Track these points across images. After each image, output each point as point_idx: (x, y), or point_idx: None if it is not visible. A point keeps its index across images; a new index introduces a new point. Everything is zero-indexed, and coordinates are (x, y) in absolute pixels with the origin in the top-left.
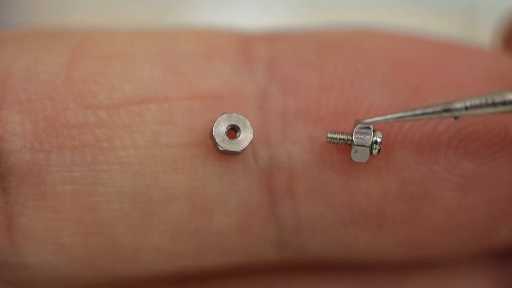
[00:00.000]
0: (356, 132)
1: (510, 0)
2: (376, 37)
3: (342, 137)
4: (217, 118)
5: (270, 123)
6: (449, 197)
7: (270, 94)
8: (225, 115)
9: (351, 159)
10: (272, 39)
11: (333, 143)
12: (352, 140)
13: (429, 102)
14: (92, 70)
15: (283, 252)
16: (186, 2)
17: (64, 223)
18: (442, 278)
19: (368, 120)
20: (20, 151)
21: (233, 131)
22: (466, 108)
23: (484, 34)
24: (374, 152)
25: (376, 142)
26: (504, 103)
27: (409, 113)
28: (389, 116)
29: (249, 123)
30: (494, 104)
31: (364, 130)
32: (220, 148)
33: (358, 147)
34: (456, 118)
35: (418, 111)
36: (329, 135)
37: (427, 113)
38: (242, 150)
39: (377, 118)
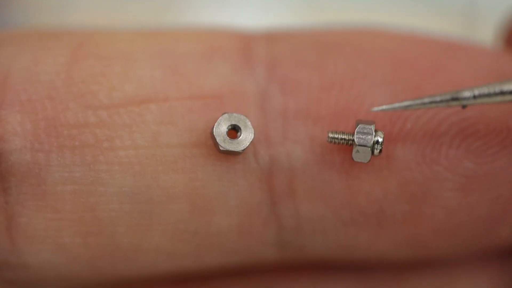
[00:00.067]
0: (357, 132)
1: (510, 0)
2: (376, 36)
3: (343, 137)
4: (218, 118)
5: (270, 123)
6: (450, 197)
7: (270, 94)
8: (226, 115)
9: (353, 159)
10: (272, 39)
11: (334, 143)
12: (353, 140)
13: None
14: (92, 70)
15: (283, 252)
16: (186, 2)
17: (64, 223)
18: (442, 278)
19: (375, 109)
20: (20, 151)
21: (234, 131)
22: (475, 96)
23: (484, 34)
24: (376, 152)
25: (377, 142)
26: None
27: (417, 101)
28: (397, 105)
29: (250, 123)
30: (502, 93)
31: (365, 130)
32: (221, 148)
33: (360, 147)
34: (464, 107)
35: (426, 100)
36: (331, 135)
37: (435, 102)
38: (243, 150)
39: (384, 107)
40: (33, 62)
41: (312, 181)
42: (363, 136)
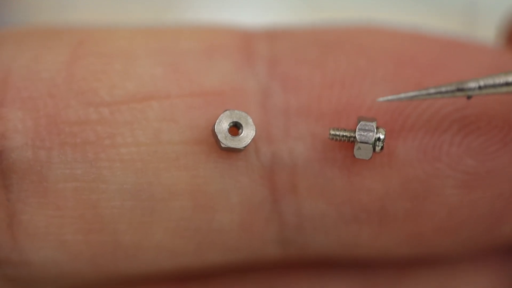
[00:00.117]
0: (359, 129)
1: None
2: (377, 34)
3: (345, 134)
4: (220, 115)
5: (272, 120)
6: (452, 194)
7: (271, 91)
8: (227, 112)
9: (354, 156)
10: (273, 37)
11: (336, 140)
12: (355, 137)
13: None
14: (93, 68)
15: (285, 250)
16: (186, 1)
17: (66, 220)
18: (444, 276)
19: (381, 99)
20: (21, 149)
21: (235, 128)
22: (480, 87)
23: (484, 33)
24: (377, 149)
25: (379, 139)
26: None
27: (423, 92)
28: (402, 95)
29: (251, 120)
30: (507, 84)
31: (367, 127)
32: (223, 145)
33: (361, 144)
34: (469, 97)
35: (432, 90)
36: (332, 132)
37: (441, 92)
38: (245, 147)
39: (390, 97)
40: (34, 59)
41: (313, 178)
42: (365, 133)
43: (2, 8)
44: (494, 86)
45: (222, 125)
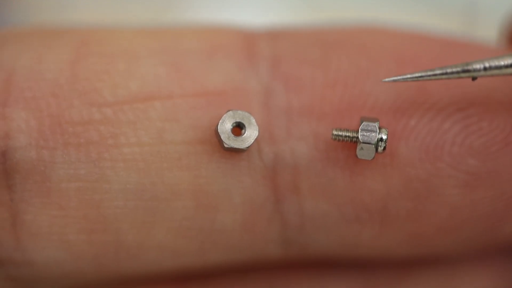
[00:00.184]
0: (361, 130)
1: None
2: (379, 34)
3: (347, 134)
4: (222, 116)
5: (274, 120)
6: (454, 194)
7: (274, 91)
8: (230, 112)
9: (356, 156)
10: (275, 37)
11: (339, 140)
12: (357, 137)
13: (434, 98)
14: (96, 68)
15: (287, 250)
16: (186, 1)
17: (69, 220)
18: (445, 275)
19: (387, 80)
20: (25, 148)
21: (238, 128)
22: (485, 68)
23: (484, 33)
24: (380, 149)
25: (381, 139)
26: None
27: (429, 72)
28: (408, 76)
29: (254, 120)
30: None
31: (369, 127)
32: (226, 146)
33: (364, 144)
34: (474, 79)
35: (437, 71)
36: (335, 132)
37: (446, 73)
38: (248, 147)
39: (396, 78)
40: (37, 60)
41: (316, 178)
42: (367, 134)
43: (2, 8)
44: (499, 67)
45: (225, 125)
